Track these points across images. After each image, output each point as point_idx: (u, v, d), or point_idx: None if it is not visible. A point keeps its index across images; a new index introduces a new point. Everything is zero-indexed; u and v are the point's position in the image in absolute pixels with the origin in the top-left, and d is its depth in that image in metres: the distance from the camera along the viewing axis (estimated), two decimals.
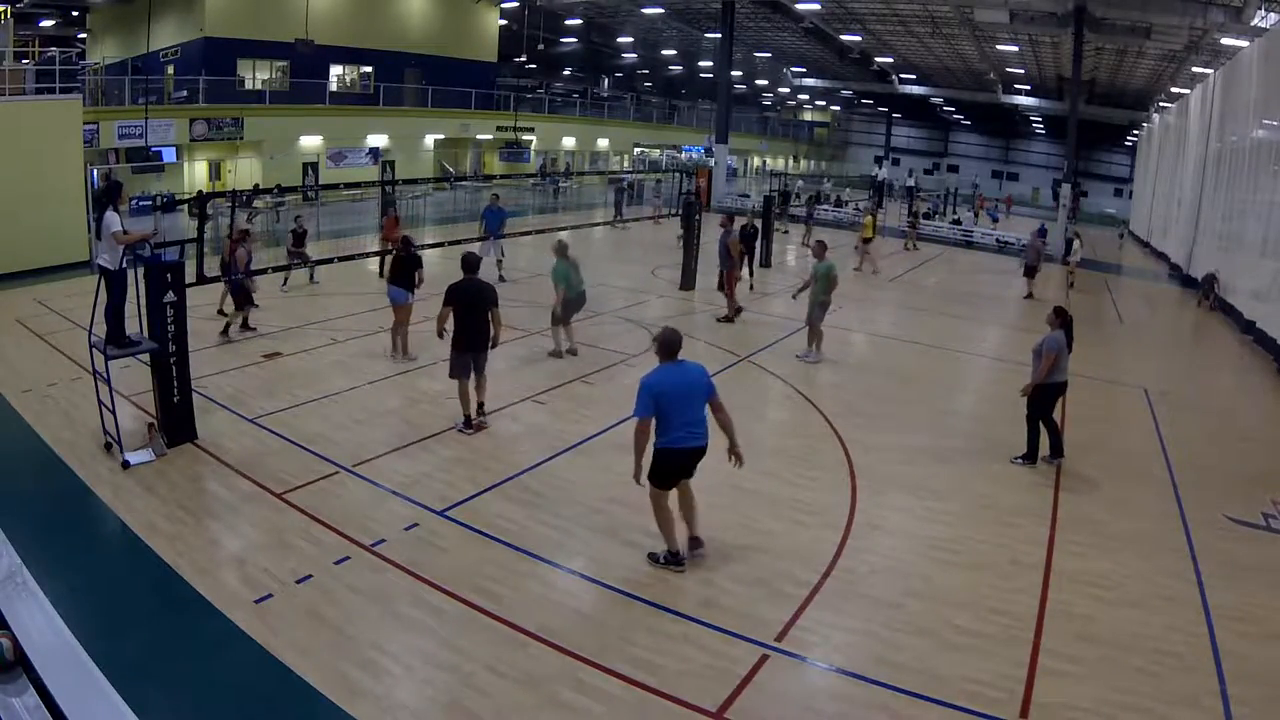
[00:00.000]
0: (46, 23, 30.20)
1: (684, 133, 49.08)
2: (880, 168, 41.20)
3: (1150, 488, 7.34)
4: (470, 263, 7.55)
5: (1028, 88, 43.56)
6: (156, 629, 4.53)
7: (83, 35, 30.96)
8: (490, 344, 7.59)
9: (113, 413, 6.45)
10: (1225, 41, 19.83)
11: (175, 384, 6.82)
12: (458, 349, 7.37)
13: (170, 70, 26.25)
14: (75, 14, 29.93)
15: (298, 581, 4.96)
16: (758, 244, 16.45)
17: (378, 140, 29.68)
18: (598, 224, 23.98)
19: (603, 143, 43.13)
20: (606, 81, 53.94)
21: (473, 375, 7.47)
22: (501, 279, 13.90)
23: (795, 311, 11.82)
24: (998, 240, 26.71)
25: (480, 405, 7.62)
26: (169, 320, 6.75)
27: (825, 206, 30.19)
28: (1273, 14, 16.85)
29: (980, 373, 11.40)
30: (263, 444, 7.00)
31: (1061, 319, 7.44)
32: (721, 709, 4.07)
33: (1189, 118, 25.12)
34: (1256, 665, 4.68)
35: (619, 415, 7.95)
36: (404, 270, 9.50)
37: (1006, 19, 25.69)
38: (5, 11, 21.98)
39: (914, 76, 47.26)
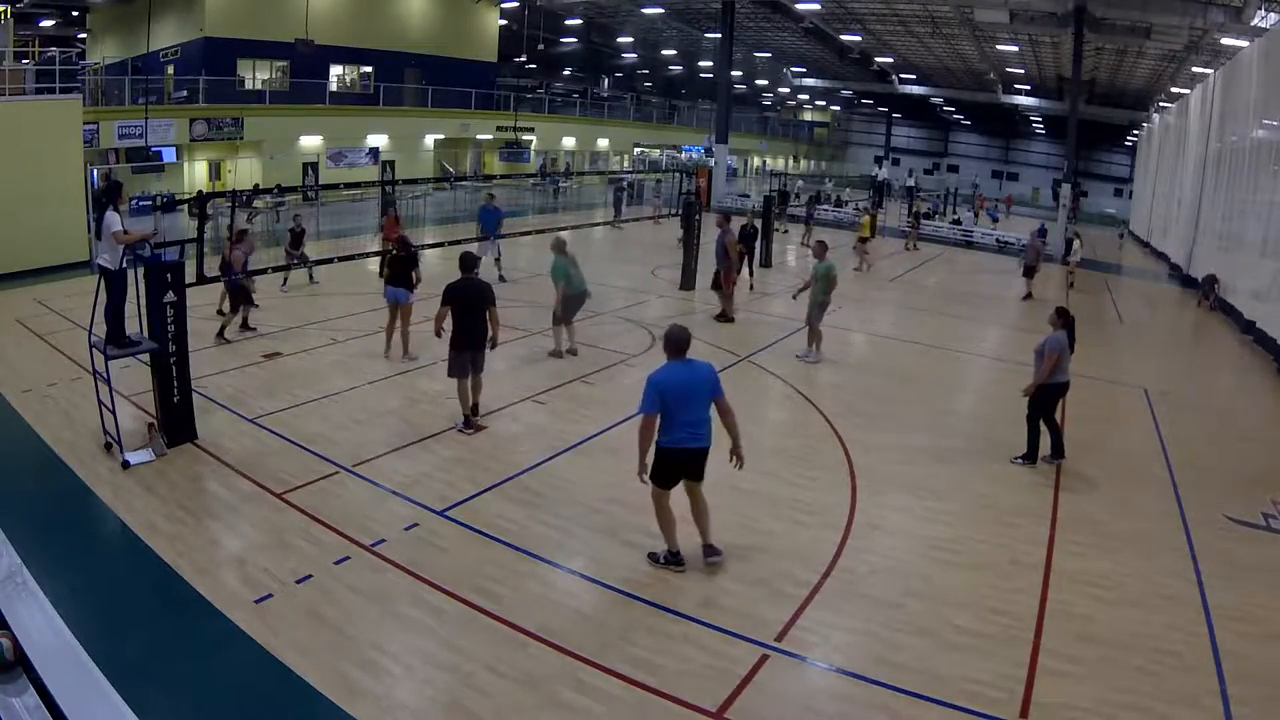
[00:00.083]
0: (46, 23, 30.20)
1: (684, 133, 49.08)
2: (880, 168, 41.22)
3: (1150, 488, 7.34)
4: (468, 262, 7.56)
5: (1028, 88, 43.57)
6: (156, 629, 4.53)
7: (83, 35, 30.97)
8: (490, 344, 7.61)
9: (113, 413, 6.45)
10: (1225, 41, 19.83)
11: (175, 384, 6.82)
12: (456, 348, 7.38)
13: (170, 70, 26.26)
14: (75, 14, 29.93)
15: (298, 581, 4.96)
16: (758, 244, 16.46)
17: (378, 140, 29.69)
18: (598, 224, 23.98)
19: (603, 143, 43.14)
20: (606, 81, 53.95)
21: (471, 374, 7.48)
22: (501, 279, 13.90)
23: (795, 311, 11.82)
24: (998, 240, 26.72)
25: (475, 404, 7.62)
26: (169, 320, 6.75)
27: (825, 206, 30.18)
28: (1273, 14, 16.85)
29: (980, 373, 11.40)
30: (263, 444, 7.00)
31: (1063, 319, 7.44)
32: (721, 709, 4.07)
33: (1189, 118, 25.12)
34: (1256, 665, 4.68)
35: (619, 415, 7.96)
36: (402, 270, 9.50)
37: (1006, 19, 25.70)
38: (5, 11, 21.97)
39: (914, 76, 47.27)
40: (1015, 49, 32.99)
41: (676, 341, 5.17)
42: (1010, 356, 11.87)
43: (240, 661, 4.26)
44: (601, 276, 13.90)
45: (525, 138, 35.84)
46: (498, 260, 14.13)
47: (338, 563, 5.20)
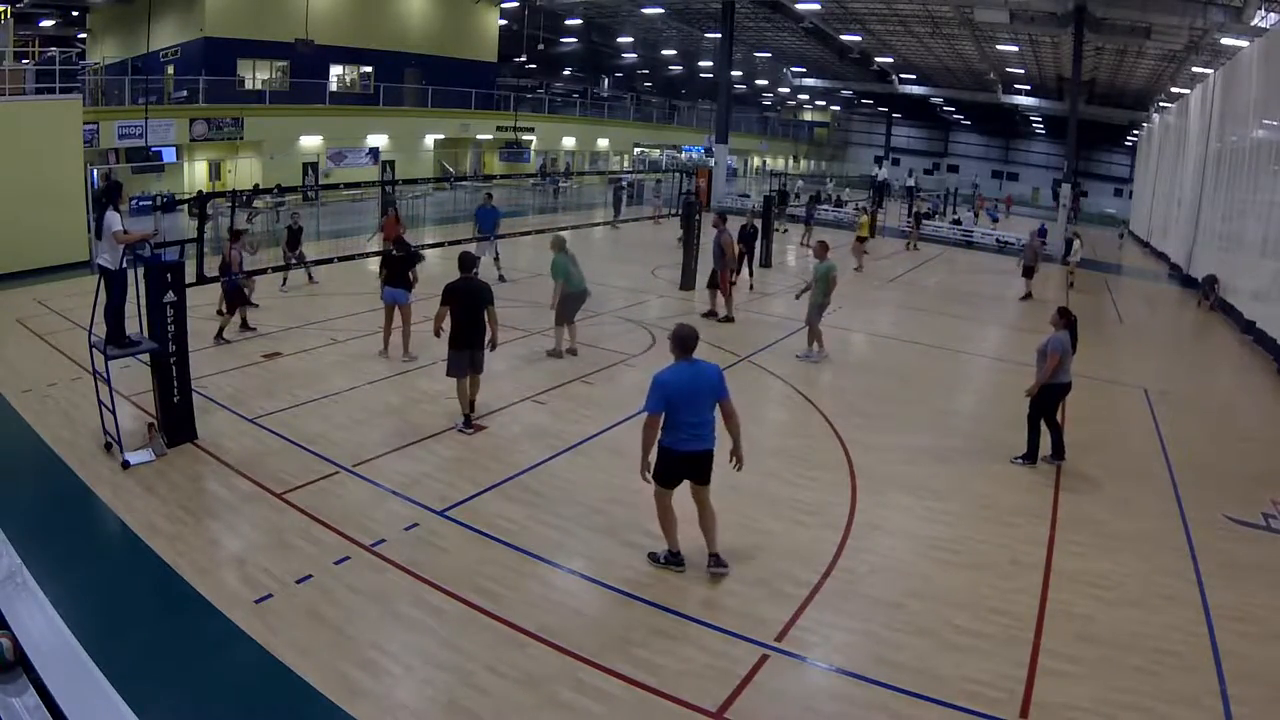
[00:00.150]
0: (46, 23, 30.21)
1: (684, 133, 49.10)
2: (880, 168, 41.23)
3: (1150, 488, 7.34)
4: (467, 262, 7.57)
5: (1028, 88, 43.58)
6: (156, 629, 4.53)
7: (83, 35, 30.98)
8: (490, 345, 7.62)
9: (113, 413, 6.45)
10: (1225, 41, 19.83)
11: (175, 384, 6.82)
12: (455, 348, 7.39)
13: (170, 70, 26.27)
14: (75, 14, 29.94)
15: (298, 581, 4.96)
16: (757, 244, 16.45)
17: (378, 140, 29.70)
18: (597, 224, 23.98)
19: (603, 143, 43.16)
20: (606, 81, 53.97)
21: (469, 374, 7.49)
22: (501, 278, 13.91)
23: (795, 311, 11.82)
24: (998, 240, 26.73)
25: (473, 404, 7.62)
26: (169, 320, 6.74)
27: (825, 206, 30.17)
28: (1273, 14, 16.86)
29: (980, 373, 11.40)
30: (263, 444, 7.00)
31: (1066, 320, 7.43)
32: (721, 709, 4.07)
33: (1189, 118, 25.12)
34: (1256, 665, 4.68)
35: (619, 415, 7.96)
36: (400, 270, 9.49)
37: (1006, 19, 25.70)
38: (5, 11, 21.99)
39: (914, 76, 47.28)
40: (1015, 49, 33.00)
41: (683, 340, 5.13)
42: (1010, 356, 11.88)
43: (240, 661, 4.26)
44: (601, 276, 13.90)
45: (525, 138, 35.85)
46: (496, 260, 14.13)
47: (338, 563, 5.20)
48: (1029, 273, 17.32)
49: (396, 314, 9.56)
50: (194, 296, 7.12)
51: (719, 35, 32.42)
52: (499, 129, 34.81)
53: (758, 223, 16.61)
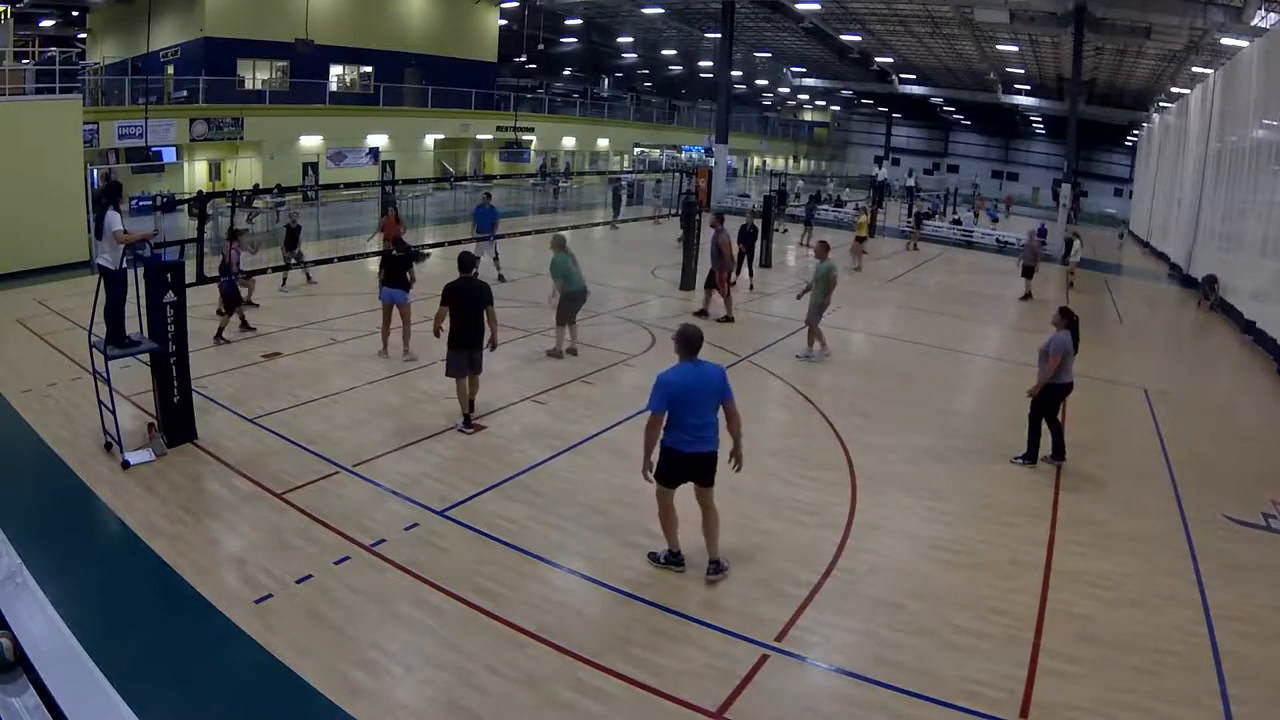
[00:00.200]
0: (46, 23, 30.21)
1: (684, 133, 49.10)
2: (880, 168, 41.24)
3: (1150, 488, 7.34)
4: (466, 262, 7.57)
5: (1028, 88, 43.57)
6: (156, 629, 4.53)
7: (83, 35, 30.98)
8: (490, 346, 7.62)
9: (113, 413, 6.45)
10: (1225, 41, 19.83)
11: (175, 384, 6.82)
12: (454, 347, 7.39)
13: (170, 70, 26.27)
14: (75, 14, 29.95)
15: (298, 581, 4.96)
16: (757, 244, 16.45)
17: (378, 140, 29.70)
18: (597, 224, 23.98)
19: (603, 143, 43.16)
20: (606, 81, 53.99)
21: (469, 373, 7.49)
22: (501, 278, 13.91)
23: (795, 311, 11.82)
24: (998, 240, 26.74)
25: (472, 403, 7.63)
26: (169, 320, 6.74)
27: (825, 206, 30.16)
28: (1273, 14, 16.86)
29: (980, 373, 11.40)
30: (263, 444, 7.00)
31: (1067, 320, 7.42)
32: (721, 709, 4.07)
33: (1189, 118, 25.12)
34: (1256, 665, 4.68)
35: (619, 415, 7.96)
36: (398, 270, 9.49)
37: (1006, 19, 25.70)
38: (5, 11, 21.99)
39: (914, 76, 47.28)
40: (1015, 49, 33.01)
41: (688, 341, 5.11)
42: (1010, 356, 11.88)
43: (240, 661, 4.26)
44: (601, 276, 13.91)
45: (525, 138, 35.85)
46: (496, 260, 14.13)
47: (337, 563, 5.20)
48: (1028, 273, 17.31)
49: (396, 314, 9.56)
50: (194, 296, 7.12)
51: (719, 35, 32.42)
52: (499, 129, 34.81)
53: (758, 223, 16.61)
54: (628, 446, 7.02)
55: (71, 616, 3.02)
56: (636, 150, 45.67)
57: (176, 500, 5.91)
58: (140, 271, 6.71)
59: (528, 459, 6.96)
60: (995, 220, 33.05)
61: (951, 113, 57.22)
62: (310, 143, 27.45)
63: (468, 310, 7.35)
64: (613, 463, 6.94)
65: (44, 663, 2.58)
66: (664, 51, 47.31)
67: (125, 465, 6.34)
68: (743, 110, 55.53)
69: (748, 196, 31.26)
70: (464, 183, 28.52)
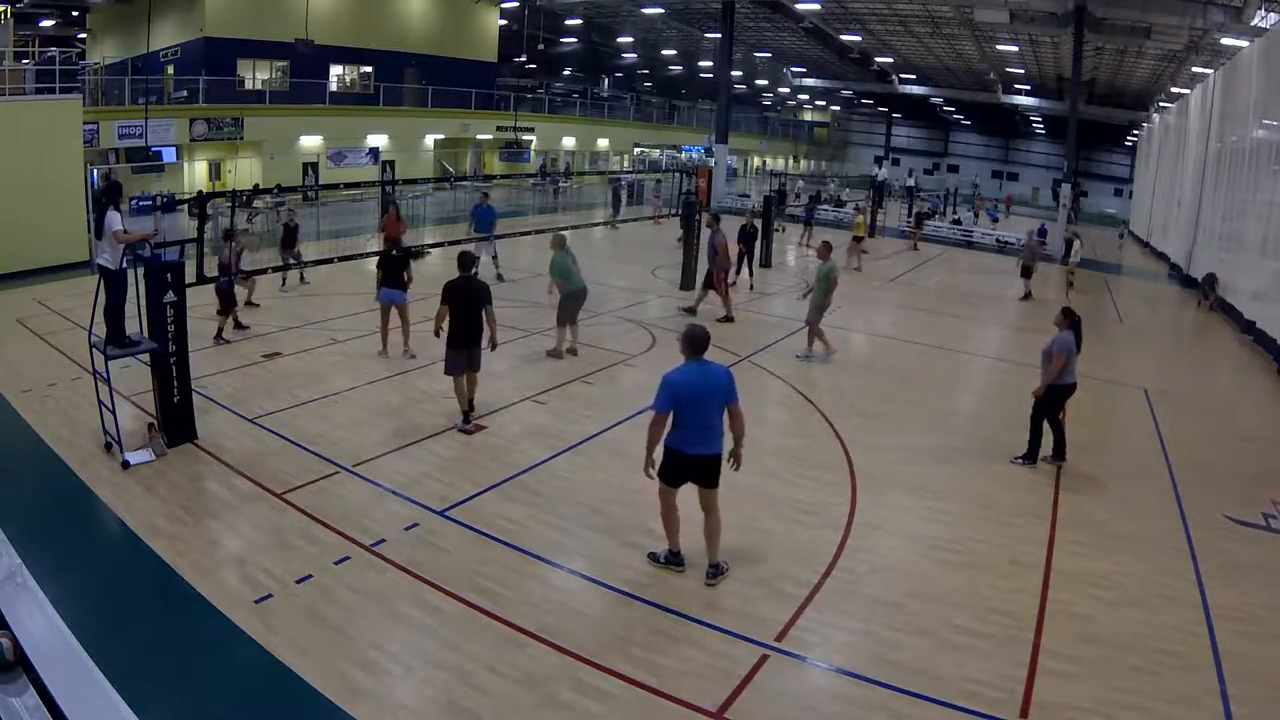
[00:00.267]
0: (46, 23, 30.21)
1: (684, 133, 49.10)
2: (880, 168, 41.28)
3: (1150, 488, 7.34)
4: (466, 261, 7.58)
5: (1028, 88, 43.58)
6: (156, 629, 4.53)
7: (83, 35, 30.99)
8: (490, 345, 7.63)
9: (113, 413, 6.45)
10: (1225, 41, 19.83)
11: (175, 384, 6.82)
12: (453, 346, 7.40)
13: (170, 70, 26.28)
14: (75, 14, 29.95)
15: (298, 581, 4.96)
16: (757, 244, 16.45)
17: (378, 140, 29.69)
18: (597, 224, 23.99)
19: (603, 143, 43.16)
20: (606, 81, 53.99)
21: (467, 371, 7.50)
22: (499, 277, 13.91)
23: (795, 311, 11.83)
24: (998, 240, 26.74)
25: (471, 401, 7.63)
26: (169, 320, 6.74)
27: (825, 206, 30.15)
28: (1273, 14, 16.86)
29: (980, 373, 11.40)
30: (263, 444, 7.00)
31: (1070, 320, 7.40)
32: (721, 709, 4.07)
33: (1189, 118, 25.12)
34: (1256, 665, 4.68)
35: (619, 415, 7.96)
36: (395, 270, 9.49)
37: (1006, 19, 25.70)
38: (5, 11, 22.00)
39: (914, 76, 47.28)
40: (1015, 49, 33.01)
41: (694, 341, 5.07)
42: (1011, 357, 11.89)
43: (240, 661, 4.26)
44: (601, 276, 13.91)
45: (525, 138, 35.85)
46: (495, 259, 14.13)
47: (338, 563, 5.20)
48: (1026, 273, 17.31)
49: (394, 314, 9.56)
50: (194, 296, 7.12)
51: (719, 35, 32.42)
52: (499, 129, 34.81)
53: (758, 223, 16.60)
54: (628, 446, 7.03)
55: (71, 616, 3.02)
56: (636, 150, 45.67)
57: (176, 500, 5.91)
58: (140, 271, 6.71)
59: (528, 459, 6.96)
60: (995, 220, 33.04)
61: (951, 113, 57.23)
62: (310, 143, 27.45)
63: (467, 309, 7.36)
64: (613, 463, 6.94)
65: (44, 663, 2.58)
66: (664, 51, 47.31)
67: (125, 465, 6.34)
68: (743, 110, 55.53)
69: (748, 196, 31.26)
70: (464, 183, 28.53)
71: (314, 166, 27.16)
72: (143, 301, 6.67)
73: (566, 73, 51.99)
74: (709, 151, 35.07)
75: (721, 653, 4.51)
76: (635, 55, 48.73)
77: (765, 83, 56.62)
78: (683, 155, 45.10)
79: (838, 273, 10.76)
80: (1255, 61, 16.45)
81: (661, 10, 34.72)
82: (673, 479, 5.14)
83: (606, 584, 5.15)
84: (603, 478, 6.67)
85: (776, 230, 22.23)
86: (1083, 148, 40.03)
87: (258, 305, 11.50)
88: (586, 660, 4.37)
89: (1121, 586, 5.49)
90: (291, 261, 12.51)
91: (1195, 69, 24.91)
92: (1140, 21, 23.23)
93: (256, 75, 27.39)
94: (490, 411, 7.94)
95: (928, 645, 4.68)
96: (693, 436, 5.00)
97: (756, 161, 55.55)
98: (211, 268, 8.83)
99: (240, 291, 10.62)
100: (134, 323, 6.80)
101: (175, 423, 6.83)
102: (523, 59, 39.24)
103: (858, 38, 36.29)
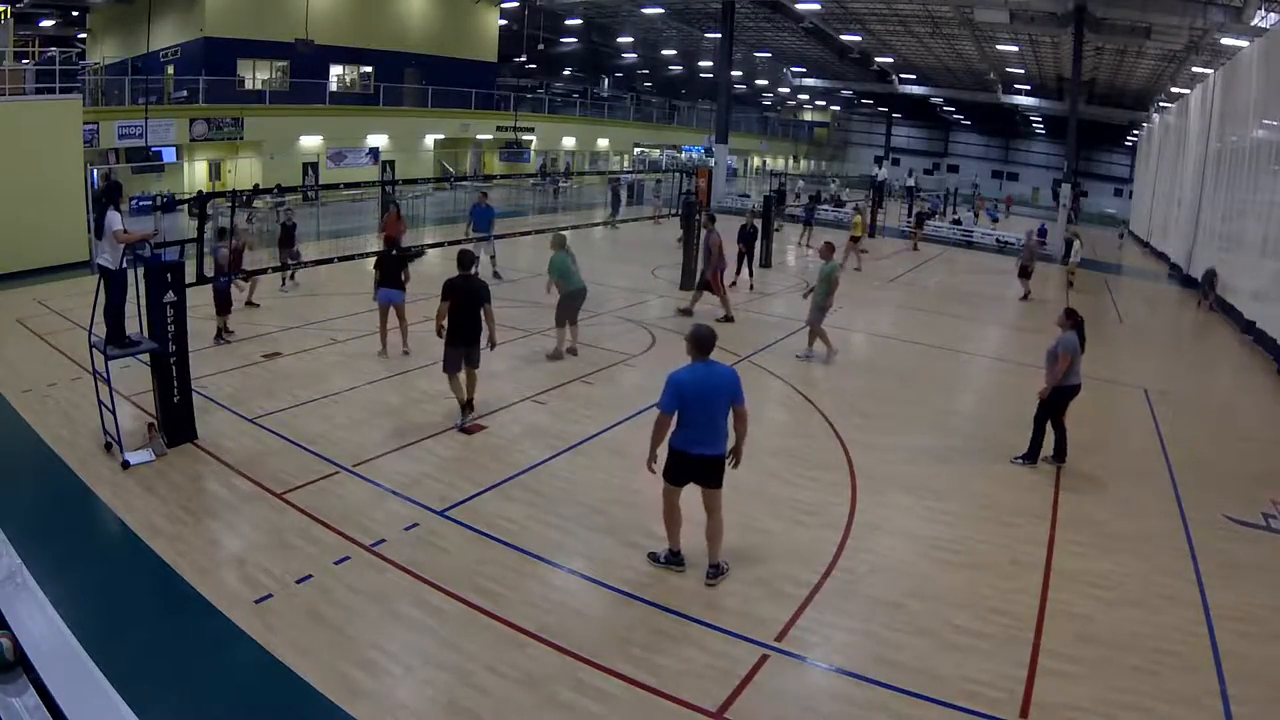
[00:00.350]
0: (46, 23, 30.22)
1: (684, 133, 49.10)
2: (880, 168, 41.31)
3: (1150, 488, 7.34)
4: (465, 260, 7.59)
5: (1028, 88, 43.58)
6: (156, 629, 4.53)
7: (83, 35, 30.99)
8: (489, 344, 7.64)
9: (113, 413, 6.45)
10: (1225, 41, 19.83)
11: (175, 384, 6.82)
12: (451, 344, 7.41)
13: (170, 70, 26.28)
14: (75, 14, 29.95)
15: (298, 581, 4.96)
16: (757, 244, 16.44)
17: (378, 140, 29.69)
18: (597, 224, 23.99)
19: (603, 143, 43.16)
20: (606, 81, 53.99)
21: (464, 369, 7.52)
22: (497, 276, 13.91)
23: (795, 311, 11.83)
24: (998, 240, 26.74)
25: (470, 400, 7.63)
26: (169, 320, 6.74)
27: (825, 206, 30.14)
28: (1273, 14, 16.86)
29: (981, 373, 11.40)
30: (263, 444, 7.00)
31: (1073, 320, 7.37)
32: (721, 709, 4.07)
33: (1189, 118, 25.12)
34: (1256, 665, 4.68)
35: (619, 415, 7.96)
36: (393, 270, 9.49)
37: (1006, 19, 25.71)
38: (5, 11, 22.00)
39: (914, 76, 47.28)
40: (1015, 49, 33.01)
41: (700, 341, 5.06)
42: (1011, 357, 11.89)
43: (240, 661, 4.26)
44: (601, 276, 13.91)
45: (525, 138, 35.85)
46: (493, 259, 14.12)
47: (338, 563, 5.20)
48: (1025, 273, 17.29)
49: (393, 314, 9.56)
50: (194, 296, 7.12)
51: (719, 35, 32.41)
52: (499, 129, 34.82)
53: (757, 223, 16.60)
54: (628, 446, 7.03)
55: (71, 616, 3.02)
56: (636, 150, 45.67)
57: (176, 500, 5.91)
58: (140, 271, 6.71)
59: (528, 459, 6.96)
60: (995, 220, 33.04)
61: (951, 113, 57.23)
62: (310, 143, 27.45)
63: (466, 308, 7.38)
64: (613, 463, 6.95)
65: (44, 663, 2.58)
66: (664, 51, 47.31)
67: (125, 465, 6.34)
68: (743, 110, 55.53)
69: (748, 196, 31.25)
70: (464, 183, 28.53)
71: (314, 166, 27.17)
72: (143, 301, 6.67)
73: (566, 73, 51.99)
74: (709, 151, 35.06)
75: (721, 653, 4.51)
76: (635, 55, 48.73)
77: (765, 83, 56.63)
78: (683, 155, 45.10)
79: (839, 272, 10.76)
80: (1255, 61, 16.45)
81: (661, 10, 34.72)
82: (677, 479, 5.13)
83: (607, 584, 5.15)
84: (603, 478, 6.67)
85: (776, 230, 22.24)
86: (1083, 148, 40.04)
87: (258, 305, 11.51)
88: (586, 660, 4.37)
89: (1121, 586, 5.49)
90: (290, 261, 12.51)
91: (1195, 69, 24.91)
92: (1140, 21, 23.24)
93: (256, 75, 27.39)
94: (490, 411, 7.94)
95: (928, 645, 4.68)
96: (697, 436, 5.00)
97: (756, 161, 55.55)
98: (211, 268, 8.83)
99: (234, 293, 10.59)
100: (134, 323, 6.80)
101: (175, 423, 6.83)
102: (523, 59, 39.25)
103: (858, 38, 36.29)
